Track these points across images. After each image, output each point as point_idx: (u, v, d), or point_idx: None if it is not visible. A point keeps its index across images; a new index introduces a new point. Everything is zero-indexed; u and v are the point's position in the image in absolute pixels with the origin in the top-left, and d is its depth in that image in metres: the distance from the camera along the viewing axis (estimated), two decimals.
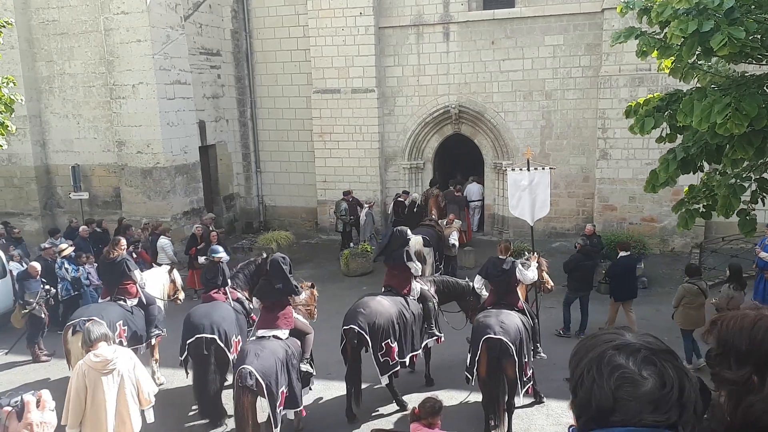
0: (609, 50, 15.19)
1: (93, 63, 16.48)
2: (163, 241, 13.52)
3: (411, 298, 8.62)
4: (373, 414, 8.37)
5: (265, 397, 6.74)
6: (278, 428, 6.91)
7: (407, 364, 8.54)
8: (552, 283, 9.17)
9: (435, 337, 8.88)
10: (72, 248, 12.19)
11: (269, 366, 6.78)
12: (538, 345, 8.34)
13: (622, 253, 10.73)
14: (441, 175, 18.72)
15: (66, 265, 11.79)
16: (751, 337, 1.65)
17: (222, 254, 9.32)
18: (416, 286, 8.74)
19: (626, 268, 10.60)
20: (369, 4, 17.13)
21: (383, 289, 8.82)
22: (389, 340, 8.01)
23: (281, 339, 7.23)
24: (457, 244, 14.11)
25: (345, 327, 7.98)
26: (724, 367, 1.69)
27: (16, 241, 14.07)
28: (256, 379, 6.62)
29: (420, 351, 8.70)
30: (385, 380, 8.14)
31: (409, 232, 9.11)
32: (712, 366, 1.73)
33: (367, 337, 7.84)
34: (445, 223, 14.50)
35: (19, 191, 17.35)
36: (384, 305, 8.19)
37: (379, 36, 17.50)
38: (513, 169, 9.72)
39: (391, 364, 8.07)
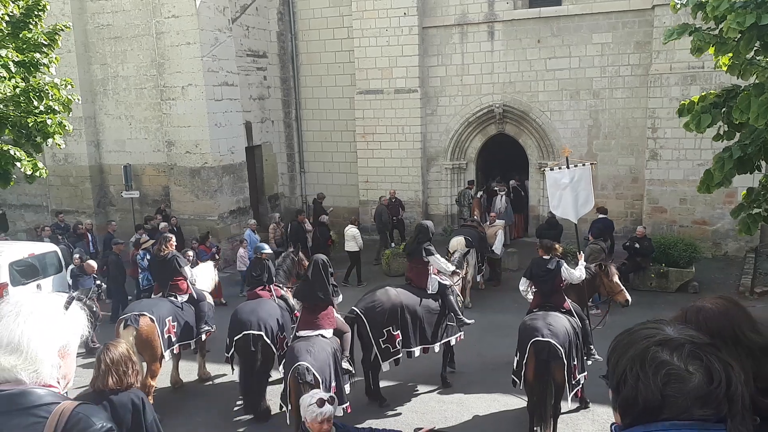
0: (659, 48, 14.78)
1: (144, 66, 16.98)
2: (353, 231, 14.63)
3: (428, 291, 8.72)
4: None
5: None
6: None
7: (415, 354, 8.60)
8: (628, 296, 8.33)
9: (458, 335, 8.94)
10: (152, 242, 12.95)
11: (323, 361, 6.87)
12: (592, 347, 8.12)
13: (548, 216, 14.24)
14: (484, 175, 18.62)
15: (147, 257, 12.65)
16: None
17: (268, 250, 9.46)
18: (433, 279, 8.79)
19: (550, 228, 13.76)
20: (413, 5, 17.13)
21: (405, 282, 9.03)
22: (391, 328, 8.18)
23: (327, 338, 7.32)
24: (500, 246, 13.96)
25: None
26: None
27: (78, 238, 14.66)
28: (314, 374, 6.69)
29: (437, 346, 8.74)
30: (386, 366, 8.31)
31: (432, 226, 9.29)
32: None
33: (364, 320, 8.10)
34: (488, 222, 14.37)
35: (74, 190, 18.01)
36: (390, 295, 8.35)
37: (422, 36, 17.48)
38: (552, 169, 9.46)
39: (391, 351, 8.25)
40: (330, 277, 7.50)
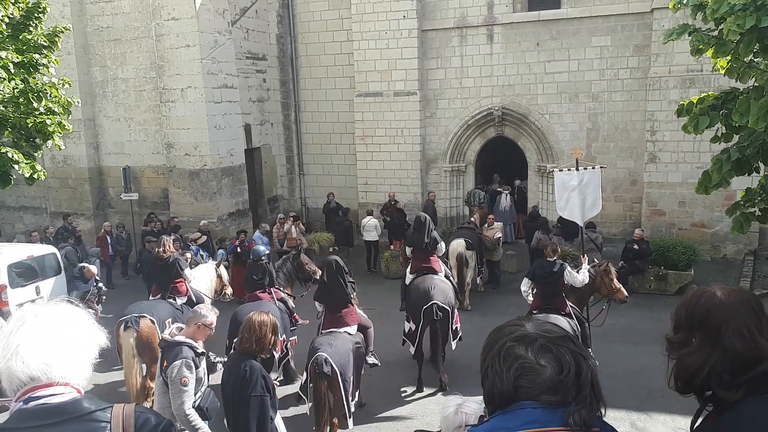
0: (658, 51, 14.82)
1: (144, 68, 16.98)
2: (375, 221, 15.56)
3: (442, 275, 9.38)
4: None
5: (339, 385, 6.89)
6: (351, 418, 7.08)
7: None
8: (626, 293, 8.66)
9: None
10: (206, 237, 13.89)
11: (343, 354, 6.98)
12: (590, 350, 8.12)
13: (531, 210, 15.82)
14: (483, 177, 18.63)
15: (201, 252, 13.16)
16: (687, 308, 1.88)
17: (267, 253, 9.46)
18: (442, 264, 9.55)
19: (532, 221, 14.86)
20: (412, 7, 17.16)
21: (417, 274, 9.28)
22: (456, 310, 9.01)
23: (351, 334, 7.48)
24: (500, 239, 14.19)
25: (426, 306, 8.45)
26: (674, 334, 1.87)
27: (77, 240, 14.62)
28: (332, 365, 6.78)
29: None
30: (455, 345, 9.01)
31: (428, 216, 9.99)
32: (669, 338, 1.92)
33: (448, 309, 8.54)
34: (486, 225, 14.35)
35: (73, 192, 18.00)
36: (444, 281, 9.10)
37: (422, 39, 17.50)
38: (561, 170, 9.45)
39: (458, 330, 9.09)
40: (346, 275, 7.70)
